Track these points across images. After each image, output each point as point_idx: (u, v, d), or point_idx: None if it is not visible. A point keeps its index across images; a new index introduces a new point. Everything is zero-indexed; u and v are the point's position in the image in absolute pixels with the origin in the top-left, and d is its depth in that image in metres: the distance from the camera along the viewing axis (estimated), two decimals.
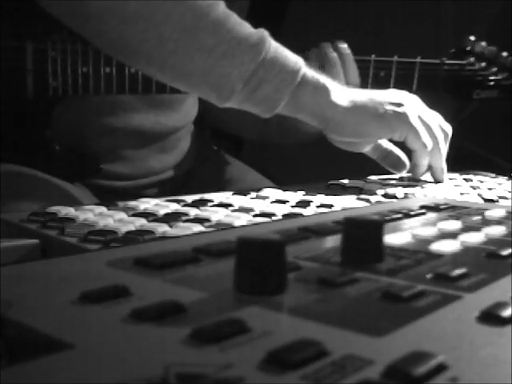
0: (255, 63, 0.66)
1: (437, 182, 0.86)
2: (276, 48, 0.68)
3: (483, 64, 1.04)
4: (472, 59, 1.04)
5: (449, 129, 0.85)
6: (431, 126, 0.81)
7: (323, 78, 0.73)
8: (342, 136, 0.78)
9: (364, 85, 0.98)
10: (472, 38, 1.04)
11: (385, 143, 0.85)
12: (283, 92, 0.68)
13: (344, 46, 0.92)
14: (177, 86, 0.73)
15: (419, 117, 0.80)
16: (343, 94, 0.75)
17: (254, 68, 0.66)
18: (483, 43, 1.05)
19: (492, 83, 1.05)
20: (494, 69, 1.04)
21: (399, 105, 0.78)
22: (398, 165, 0.85)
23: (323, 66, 0.90)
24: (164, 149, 0.95)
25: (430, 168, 0.86)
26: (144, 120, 0.90)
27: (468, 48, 1.04)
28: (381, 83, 0.98)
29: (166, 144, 0.95)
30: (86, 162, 0.87)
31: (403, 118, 0.77)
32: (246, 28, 0.67)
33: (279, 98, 0.69)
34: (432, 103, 0.88)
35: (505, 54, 1.05)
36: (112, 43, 0.69)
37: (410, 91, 0.85)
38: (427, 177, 0.88)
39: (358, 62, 0.96)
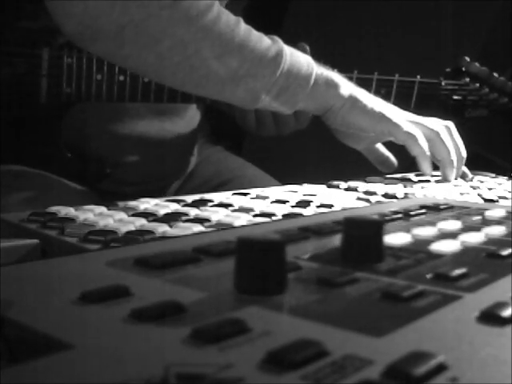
0: (275, 75, 0.74)
1: (446, 179, 0.86)
2: (291, 56, 0.76)
3: (477, 85, 1.09)
4: (467, 79, 1.09)
5: (448, 123, 0.89)
6: (423, 123, 0.87)
7: (332, 74, 0.81)
8: (333, 124, 0.85)
9: None
10: (467, 58, 1.10)
11: (381, 148, 0.91)
12: (300, 94, 0.77)
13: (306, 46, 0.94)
14: (209, 97, 0.82)
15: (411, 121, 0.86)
16: (351, 88, 0.83)
17: (275, 79, 0.74)
18: (477, 64, 1.10)
19: (483, 103, 1.11)
20: (486, 90, 1.10)
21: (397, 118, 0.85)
22: (390, 166, 0.93)
23: None
24: (169, 155, 0.95)
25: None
26: (149, 126, 0.90)
27: (463, 68, 1.10)
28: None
29: (171, 150, 0.95)
30: (93, 167, 0.88)
31: (392, 120, 0.84)
32: (264, 42, 0.74)
33: (297, 100, 0.78)
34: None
35: (496, 74, 1.10)
36: (149, 74, 0.77)
37: (409, 109, 0.90)
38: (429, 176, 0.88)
39: (362, 79, 1.00)
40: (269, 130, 0.94)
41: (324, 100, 0.81)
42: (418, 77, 1.06)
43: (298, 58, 0.77)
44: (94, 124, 0.87)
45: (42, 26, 0.80)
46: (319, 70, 0.79)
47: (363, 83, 0.97)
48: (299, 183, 0.77)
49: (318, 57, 0.83)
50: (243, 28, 0.73)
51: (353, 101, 0.82)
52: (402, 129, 0.84)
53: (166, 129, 0.93)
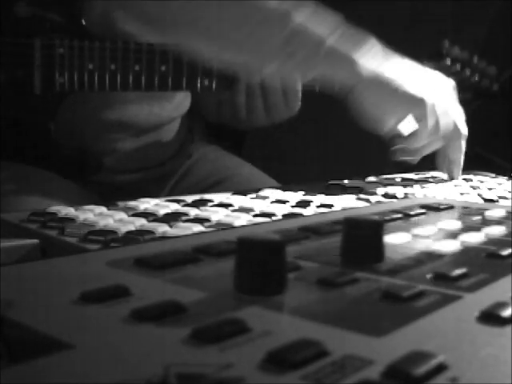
0: (283, 34, 0.70)
1: (450, 178, 0.86)
2: (308, 16, 0.72)
3: (458, 66, 1.07)
4: (448, 61, 1.07)
5: (465, 130, 0.86)
6: (450, 120, 0.82)
7: (351, 48, 0.75)
8: (358, 108, 0.78)
9: None
10: (447, 42, 1.09)
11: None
12: (310, 63, 0.73)
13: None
14: (224, 58, 0.77)
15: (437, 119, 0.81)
16: (371, 64, 0.76)
17: (284, 39, 0.71)
18: (456, 48, 1.09)
19: (466, 86, 1.09)
20: (468, 72, 1.08)
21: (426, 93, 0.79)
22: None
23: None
24: (159, 140, 0.95)
25: (448, 163, 0.86)
26: (138, 111, 0.91)
27: (444, 52, 1.09)
28: None
29: (160, 135, 0.95)
30: (88, 158, 0.88)
31: (419, 103, 0.79)
32: None
33: (308, 68, 0.74)
34: None
35: (476, 58, 1.09)
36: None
37: None
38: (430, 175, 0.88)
39: None
40: (259, 115, 0.92)
41: (340, 75, 0.77)
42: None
43: (315, 23, 0.73)
44: (85, 114, 0.87)
45: (32, 16, 0.79)
46: (336, 42, 0.74)
47: None
48: (298, 183, 0.77)
49: None
50: None
51: (378, 81, 0.76)
52: (426, 116, 0.79)
53: (154, 112, 0.93)
